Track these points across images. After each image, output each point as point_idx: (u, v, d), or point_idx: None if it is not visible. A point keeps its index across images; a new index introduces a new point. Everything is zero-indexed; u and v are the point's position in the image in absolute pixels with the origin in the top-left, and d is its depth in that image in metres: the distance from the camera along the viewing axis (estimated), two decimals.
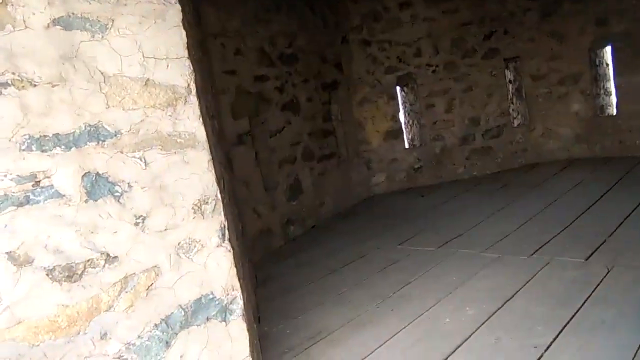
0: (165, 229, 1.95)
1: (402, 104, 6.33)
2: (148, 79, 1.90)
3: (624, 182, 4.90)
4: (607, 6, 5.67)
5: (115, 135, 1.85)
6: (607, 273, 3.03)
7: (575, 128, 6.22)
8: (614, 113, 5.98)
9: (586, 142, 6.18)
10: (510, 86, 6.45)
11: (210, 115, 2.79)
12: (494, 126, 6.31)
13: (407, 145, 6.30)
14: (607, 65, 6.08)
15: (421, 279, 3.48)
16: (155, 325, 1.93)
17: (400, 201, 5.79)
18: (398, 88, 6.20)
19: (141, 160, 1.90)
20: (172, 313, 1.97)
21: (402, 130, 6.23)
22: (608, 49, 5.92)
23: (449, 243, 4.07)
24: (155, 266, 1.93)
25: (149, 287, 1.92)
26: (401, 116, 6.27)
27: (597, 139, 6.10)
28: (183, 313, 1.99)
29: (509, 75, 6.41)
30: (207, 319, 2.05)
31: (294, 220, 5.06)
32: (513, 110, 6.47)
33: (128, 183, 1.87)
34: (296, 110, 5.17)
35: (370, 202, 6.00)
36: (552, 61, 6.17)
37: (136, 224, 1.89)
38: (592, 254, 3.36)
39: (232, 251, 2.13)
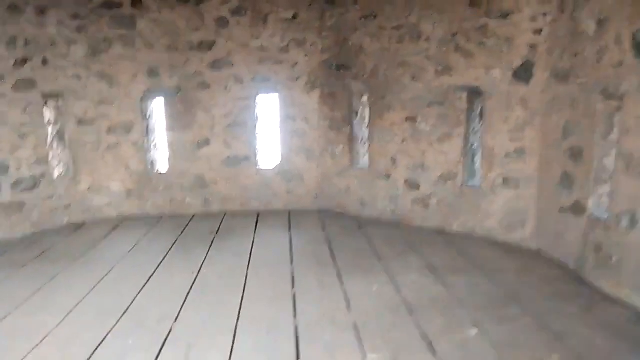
0: None
1: None
2: None
3: (178, 246, 4.56)
4: (159, 57, 5.42)
5: None
6: None
7: (126, 183, 5.60)
8: (165, 169, 5.72)
9: (138, 198, 5.65)
10: (51, 128, 5.25)
11: None
12: (29, 176, 4.93)
13: None
14: (159, 119, 5.81)
15: None
16: None
17: None
18: None
19: None
20: None
21: None
22: (160, 102, 5.65)
23: None
24: None
25: None
26: None
27: (149, 196, 5.67)
28: None
29: (50, 115, 5.21)
30: None
31: None
32: (54, 158, 5.27)
33: None
34: None
35: None
36: (102, 105, 5.39)
37: None
38: (161, 348, 2.73)
39: None
